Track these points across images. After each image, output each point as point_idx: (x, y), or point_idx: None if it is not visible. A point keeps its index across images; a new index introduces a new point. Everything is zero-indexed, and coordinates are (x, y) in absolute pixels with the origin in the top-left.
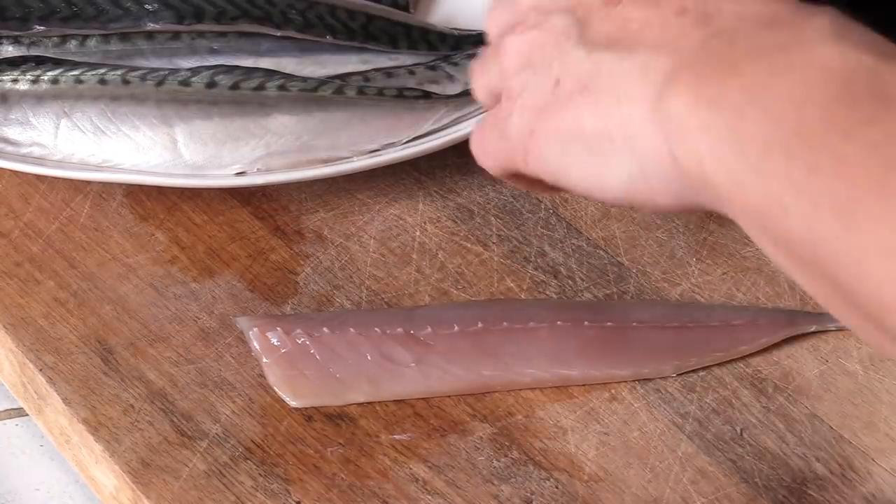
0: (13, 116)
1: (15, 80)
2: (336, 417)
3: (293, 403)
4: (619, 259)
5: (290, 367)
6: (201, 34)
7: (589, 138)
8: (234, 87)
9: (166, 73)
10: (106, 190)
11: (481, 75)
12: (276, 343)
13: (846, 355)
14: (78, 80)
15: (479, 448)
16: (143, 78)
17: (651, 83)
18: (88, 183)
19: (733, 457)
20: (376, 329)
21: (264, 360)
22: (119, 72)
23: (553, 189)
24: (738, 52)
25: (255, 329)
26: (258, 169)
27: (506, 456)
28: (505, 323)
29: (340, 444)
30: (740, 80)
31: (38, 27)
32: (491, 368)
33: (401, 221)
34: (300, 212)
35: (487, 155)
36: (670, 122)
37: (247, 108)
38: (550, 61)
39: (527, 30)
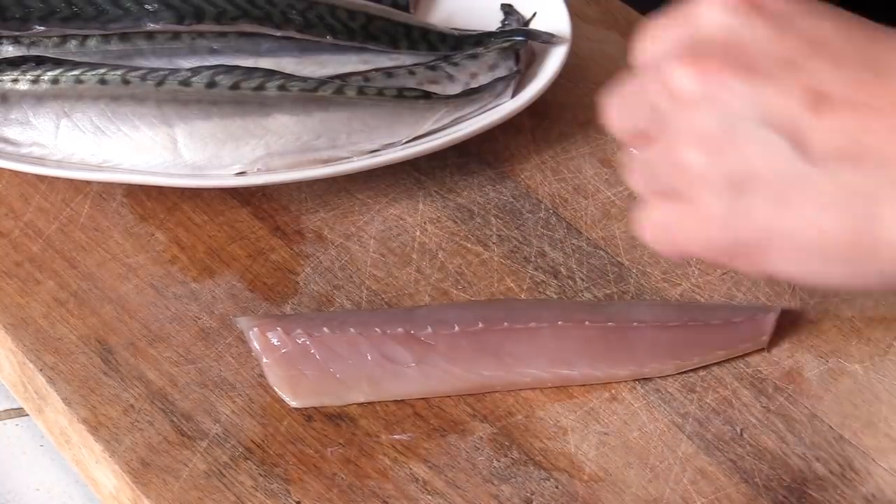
0: (13, 116)
1: (15, 80)
2: (336, 417)
3: (293, 403)
4: (619, 259)
5: (291, 367)
6: (201, 34)
7: (834, 252)
8: (235, 87)
9: (166, 73)
10: (106, 190)
11: (638, 171)
12: (276, 343)
13: (846, 355)
14: (78, 80)
15: (479, 448)
16: (143, 78)
17: None
18: (88, 183)
19: (733, 457)
20: (376, 329)
21: (264, 360)
22: (119, 72)
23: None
24: None
25: (256, 329)
26: (258, 169)
27: (506, 456)
28: (505, 323)
29: (340, 444)
30: None
31: (38, 27)
32: (491, 368)
33: (401, 221)
34: (300, 212)
35: (675, 244)
36: None
37: (247, 108)
38: (760, 176)
39: (713, 142)
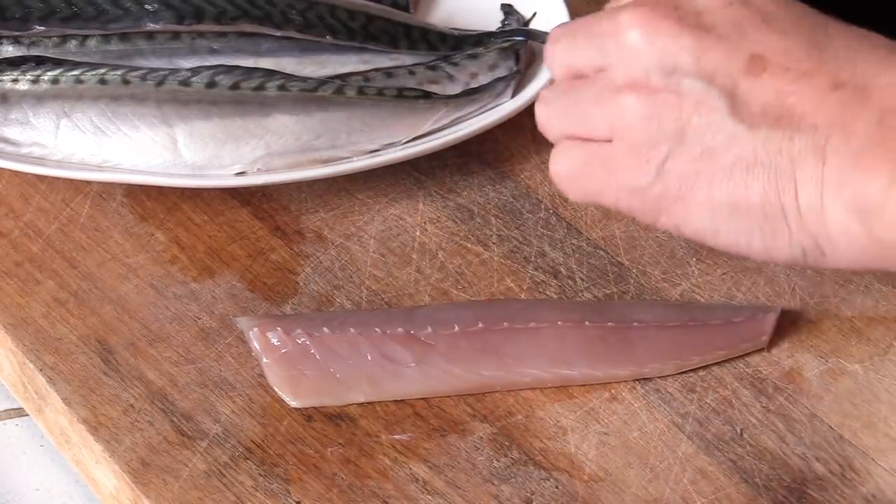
0: (13, 116)
1: (15, 80)
2: (336, 417)
3: (293, 403)
4: (619, 259)
5: (291, 367)
6: (201, 34)
7: (755, 213)
8: (235, 87)
9: (166, 73)
10: (106, 190)
11: (559, 108)
12: (276, 343)
13: (846, 355)
14: (78, 80)
15: (479, 448)
16: (143, 78)
17: (831, 165)
18: (88, 183)
19: (733, 457)
20: (376, 329)
21: (264, 360)
22: (119, 72)
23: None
24: None
25: (256, 329)
26: (258, 169)
27: (506, 456)
28: (505, 323)
29: (340, 444)
30: None
31: (38, 27)
32: (491, 368)
33: (401, 221)
34: (300, 212)
35: (582, 190)
36: (866, 203)
37: (247, 108)
38: (694, 130)
39: (652, 92)
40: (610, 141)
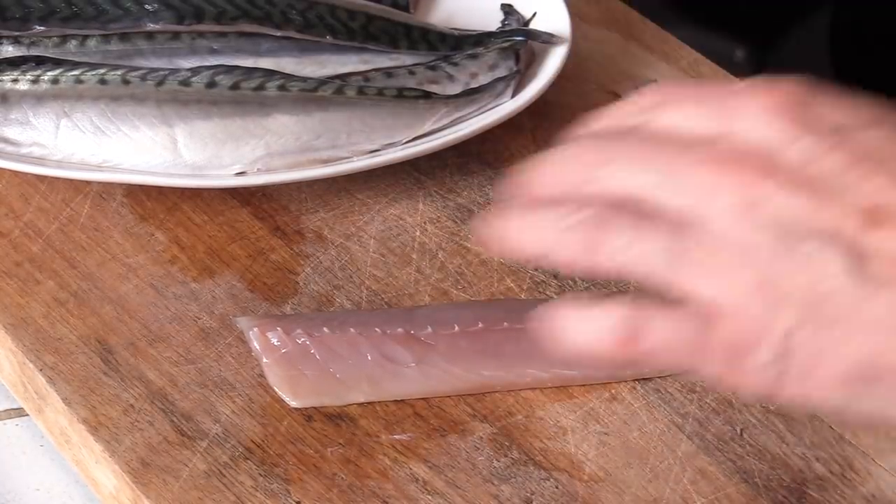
0: (13, 116)
1: (15, 80)
2: (336, 417)
3: (293, 403)
4: None
5: (291, 367)
6: (201, 34)
7: None
8: (235, 87)
9: (166, 73)
10: (106, 190)
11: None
12: (276, 343)
13: None
14: (78, 80)
15: (479, 448)
16: (143, 78)
17: None
18: (88, 183)
19: (733, 457)
20: (376, 329)
21: (264, 360)
22: (119, 72)
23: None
24: None
25: (256, 329)
26: (258, 169)
27: (506, 456)
28: (505, 323)
29: (340, 444)
30: None
31: (38, 27)
32: (491, 368)
33: (401, 221)
34: (300, 212)
35: (673, 363)
36: None
37: (247, 108)
38: (817, 297)
39: (765, 258)
40: (707, 306)
